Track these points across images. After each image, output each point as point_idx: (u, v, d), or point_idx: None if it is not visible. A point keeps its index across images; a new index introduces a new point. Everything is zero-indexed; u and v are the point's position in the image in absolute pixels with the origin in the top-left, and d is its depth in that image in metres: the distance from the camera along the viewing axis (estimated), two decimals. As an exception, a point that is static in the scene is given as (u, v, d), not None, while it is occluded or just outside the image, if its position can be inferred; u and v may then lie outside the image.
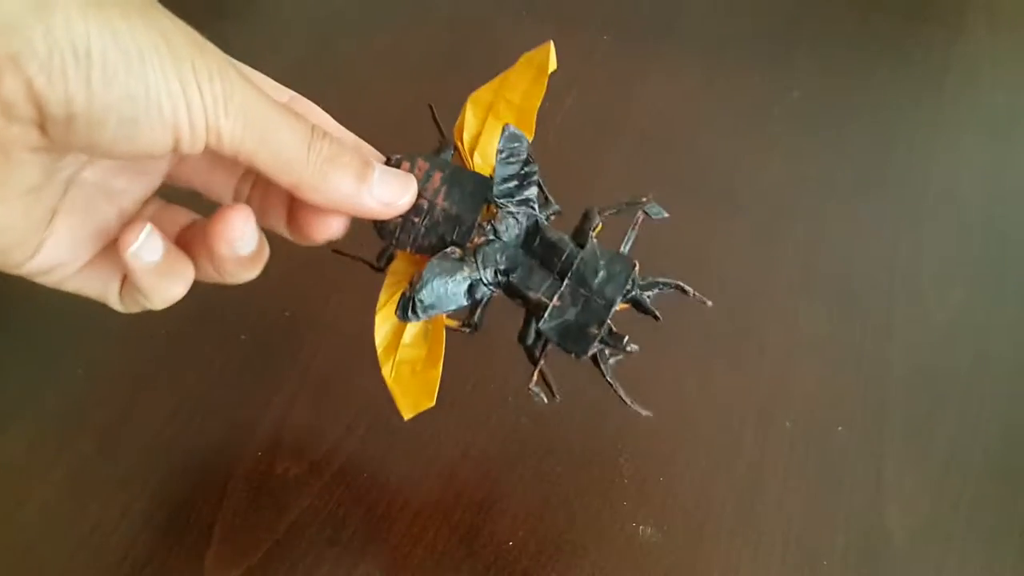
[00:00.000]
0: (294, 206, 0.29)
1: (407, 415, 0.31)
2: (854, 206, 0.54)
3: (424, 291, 0.28)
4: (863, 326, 0.48)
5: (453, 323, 0.31)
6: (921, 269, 0.51)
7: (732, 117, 0.59)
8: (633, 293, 0.29)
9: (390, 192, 0.28)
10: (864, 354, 0.47)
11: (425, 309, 0.28)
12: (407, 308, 0.28)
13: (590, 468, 0.43)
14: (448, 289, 0.28)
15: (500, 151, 0.29)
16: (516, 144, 0.30)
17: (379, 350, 0.31)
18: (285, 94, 0.31)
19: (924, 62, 0.63)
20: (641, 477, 0.42)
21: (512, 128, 0.30)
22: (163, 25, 0.22)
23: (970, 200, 0.55)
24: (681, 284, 0.30)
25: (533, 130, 0.32)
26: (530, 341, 0.30)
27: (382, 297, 0.31)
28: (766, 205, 0.54)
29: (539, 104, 0.32)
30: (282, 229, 0.30)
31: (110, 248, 0.28)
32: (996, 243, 0.52)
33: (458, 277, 0.29)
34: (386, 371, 0.31)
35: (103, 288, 0.28)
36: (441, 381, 0.30)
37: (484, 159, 0.31)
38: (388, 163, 0.29)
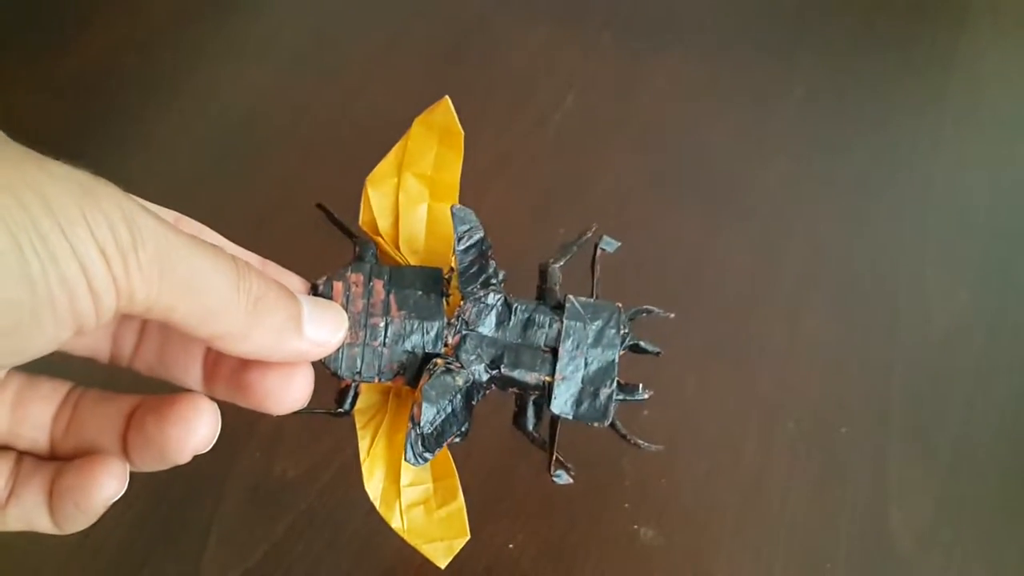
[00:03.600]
0: (211, 358, 0.24)
1: (442, 563, 0.28)
2: (857, 206, 0.54)
3: (430, 422, 0.25)
4: (866, 327, 0.48)
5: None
6: (925, 270, 0.51)
7: (734, 116, 0.59)
8: (629, 337, 0.27)
9: (323, 330, 0.23)
10: (867, 355, 0.47)
11: (436, 443, 0.25)
12: (418, 450, 0.25)
13: (591, 470, 0.42)
14: (450, 409, 0.26)
15: (459, 238, 0.26)
16: (469, 225, 0.26)
17: (378, 505, 0.28)
18: (167, 215, 0.24)
19: (928, 62, 0.63)
20: (642, 479, 0.42)
21: (459, 210, 0.26)
22: (31, 179, 0.17)
23: (974, 201, 0.54)
24: (646, 308, 0.28)
25: (456, 201, 0.28)
26: (531, 426, 0.28)
27: (362, 445, 0.27)
28: (768, 205, 0.54)
29: (459, 174, 0.28)
30: (195, 384, 0.25)
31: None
32: (1000, 244, 0.52)
33: (455, 391, 0.26)
34: (396, 526, 0.28)
35: (30, 517, 0.22)
36: None
37: (410, 246, 0.28)
38: (315, 292, 0.26)
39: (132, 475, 0.45)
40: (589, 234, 0.29)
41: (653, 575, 0.39)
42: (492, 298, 0.27)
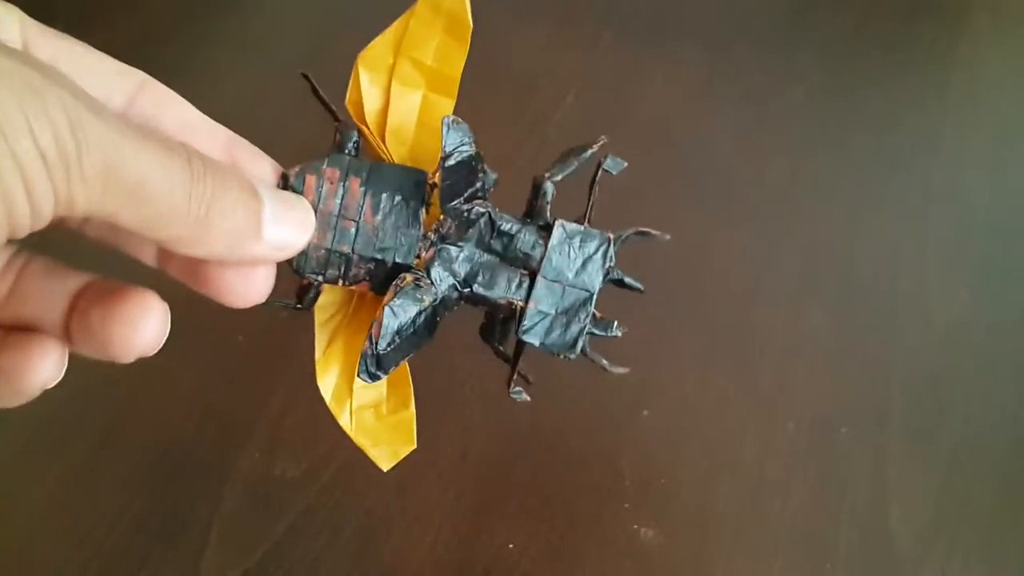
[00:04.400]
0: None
1: (385, 466, 0.27)
2: (857, 206, 0.54)
3: (388, 341, 0.24)
4: (866, 327, 0.48)
5: None
6: (924, 270, 0.51)
7: (734, 115, 0.59)
8: (615, 270, 0.25)
9: (286, 231, 0.22)
10: (867, 355, 0.47)
11: (393, 361, 0.24)
12: (373, 369, 0.24)
13: (590, 470, 0.42)
14: (413, 329, 0.24)
15: (447, 154, 0.24)
16: (462, 140, 0.24)
17: (328, 401, 0.26)
18: (132, 79, 0.23)
19: (927, 62, 0.63)
20: (642, 479, 0.42)
21: (451, 121, 0.24)
22: None
23: (974, 201, 0.54)
24: (641, 229, 0.26)
25: (454, 98, 0.26)
26: (496, 340, 0.27)
27: (318, 343, 0.26)
28: (768, 205, 0.54)
29: (461, 68, 0.26)
30: (149, 259, 0.23)
31: None
32: (1000, 244, 0.52)
33: (420, 310, 0.24)
34: (344, 422, 0.26)
35: None
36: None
37: (397, 138, 0.25)
38: (285, 184, 0.24)
39: (132, 475, 0.45)
40: (595, 148, 0.27)
41: (653, 575, 0.39)
42: (475, 212, 0.25)
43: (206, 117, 0.24)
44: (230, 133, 0.24)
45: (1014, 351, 0.47)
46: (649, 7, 0.66)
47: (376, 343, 0.23)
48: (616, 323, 0.25)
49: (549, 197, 0.26)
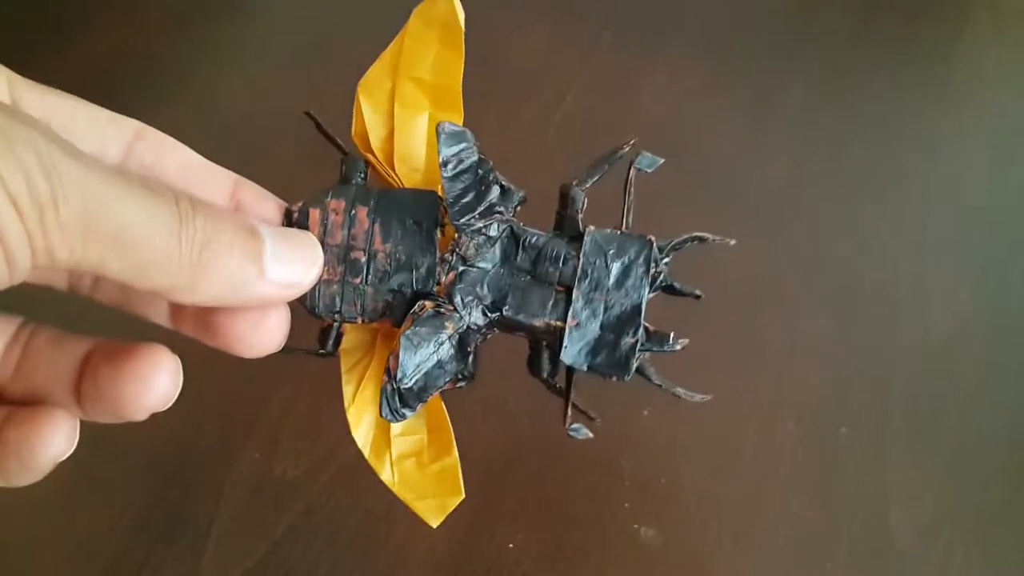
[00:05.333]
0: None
1: (434, 522, 0.25)
2: (857, 206, 0.54)
3: (408, 375, 0.22)
4: (866, 327, 0.48)
5: (446, 385, 0.26)
6: (924, 270, 0.51)
7: (734, 116, 0.59)
8: (662, 276, 0.23)
9: (292, 269, 0.20)
10: (867, 355, 0.47)
11: (417, 397, 0.22)
12: (395, 405, 0.22)
13: (591, 470, 0.42)
14: (437, 359, 0.22)
15: (444, 163, 0.22)
16: (461, 146, 0.22)
17: (367, 454, 0.25)
18: (128, 127, 0.22)
19: (927, 62, 0.63)
20: (642, 478, 0.42)
21: (447, 126, 0.22)
22: None
23: (974, 200, 0.54)
24: (698, 235, 0.24)
25: (461, 112, 0.25)
26: (546, 373, 0.24)
27: (346, 391, 0.25)
28: (768, 205, 0.54)
29: (461, 78, 0.24)
30: (161, 319, 0.23)
31: None
32: (1001, 244, 0.52)
33: (443, 339, 0.22)
34: (387, 478, 0.25)
35: None
36: None
37: (408, 164, 0.24)
38: (289, 220, 0.22)
39: (133, 474, 0.45)
40: (625, 149, 0.24)
41: (653, 575, 0.39)
42: (495, 229, 0.23)
43: (208, 161, 0.23)
44: (234, 175, 0.23)
45: (1014, 351, 0.47)
46: (649, 7, 0.66)
47: (394, 377, 0.22)
48: (673, 335, 0.23)
49: (579, 205, 0.24)
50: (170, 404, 0.21)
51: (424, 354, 0.22)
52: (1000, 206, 0.54)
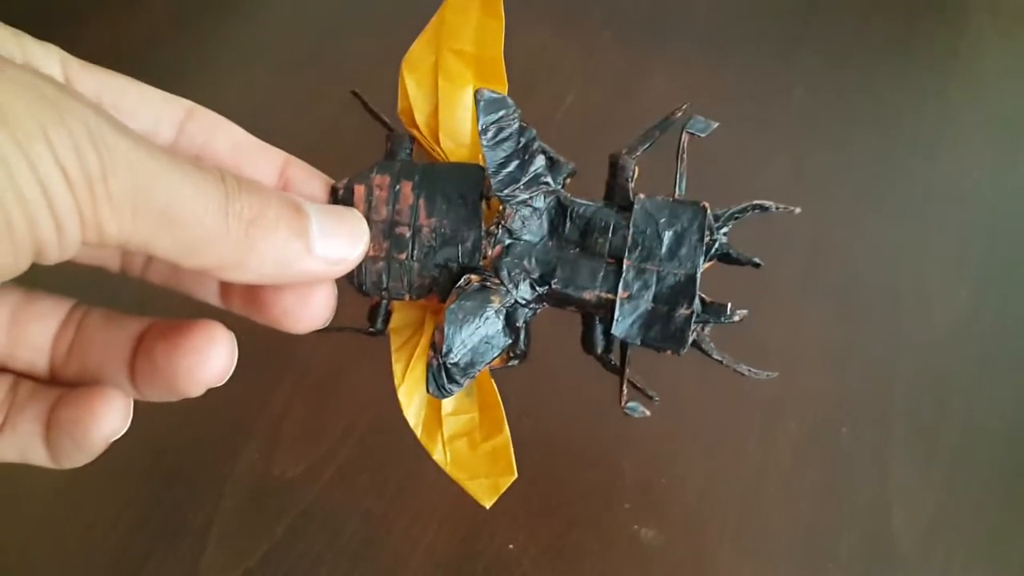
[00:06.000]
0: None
1: (487, 502, 0.24)
2: (858, 205, 0.54)
3: (455, 350, 0.21)
4: (868, 327, 0.48)
5: (496, 363, 0.24)
6: (926, 270, 0.50)
7: (734, 115, 0.59)
8: (717, 244, 0.22)
9: (338, 245, 0.20)
10: (869, 355, 0.47)
11: (464, 372, 0.22)
12: (441, 381, 0.21)
13: (591, 469, 0.42)
14: (484, 334, 0.21)
15: (483, 130, 0.21)
16: (500, 113, 0.22)
17: (419, 434, 0.24)
18: (179, 107, 0.22)
19: (928, 61, 0.62)
20: (643, 479, 0.42)
21: (486, 93, 0.22)
22: None
23: (975, 200, 0.54)
24: (759, 203, 0.23)
25: (505, 82, 0.24)
26: (601, 348, 0.24)
27: (396, 369, 0.24)
28: (768, 204, 0.54)
29: (502, 47, 0.24)
30: (211, 298, 0.23)
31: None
32: (1002, 243, 0.52)
33: (489, 313, 0.21)
34: (439, 458, 0.24)
35: (25, 448, 0.20)
36: None
37: (454, 138, 0.24)
38: (335, 198, 0.22)
39: (132, 475, 0.45)
40: (679, 114, 0.24)
41: (653, 575, 0.39)
42: (541, 200, 0.22)
43: (258, 140, 0.23)
44: (284, 154, 0.23)
45: (1016, 350, 0.47)
46: (649, 7, 0.66)
47: (440, 351, 0.21)
48: (730, 306, 0.22)
49: (629, 174, 0.23)
50: (225, 379, 0.21)
51: (470, 328, 0.21)
52: (1001, 205, 0.54)
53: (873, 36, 0.64)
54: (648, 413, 0.24)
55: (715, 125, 0.23)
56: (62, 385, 0.21)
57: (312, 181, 0.23)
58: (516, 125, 0.22)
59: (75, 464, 0.20)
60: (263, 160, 0.22)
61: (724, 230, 0.23)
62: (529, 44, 0.62)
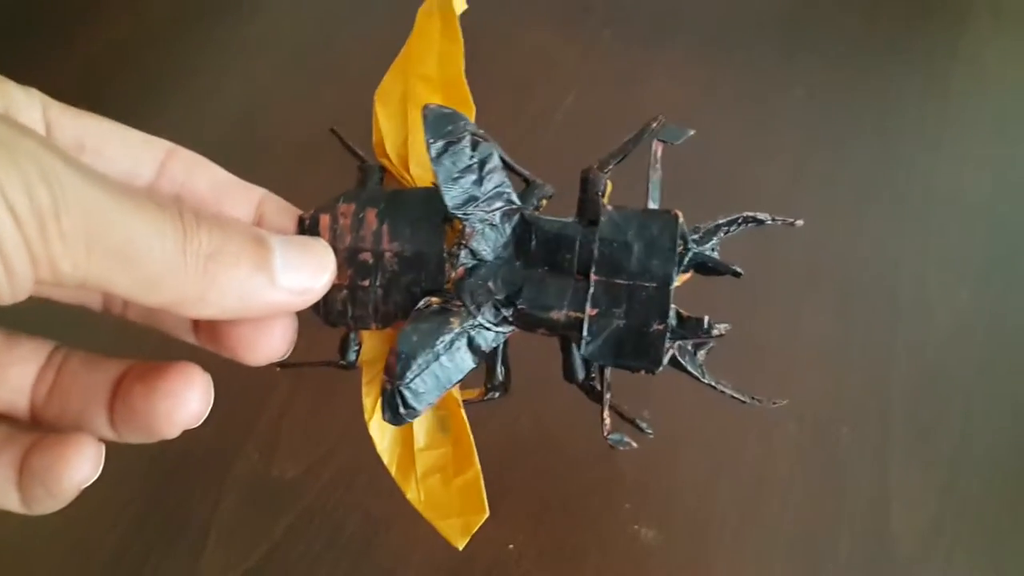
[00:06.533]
0: None
1: (460, 543, 0.23)
2: (858, 205, 0.54)
3: (409, 374, 0.20)
4: (868, 327, 0.48)
5: (472, 394, 0.24)
6: (926, 270, 0.50)
7: (734, 116, 0.59)
8: (691, 252, 0.21)
9: (301, 276, 0.20)
10: (869, 355, 0.47)
11: (420, 399, 0.20)
12: (396, 407, 0.20)
13: (591, 470, 0.42)
14: (443, 358, 0.20)
15: (431, 143, 0.20)
16: (448, 126, 0.21)
17: (392, 472, 0.23)
18: (160, 147, 0.22)
19: (928, 60, 0.62)
20: (643, 479, 0.42)
21: (433, 108, 0.21)
22: None
23: (975, 200, 0.54)
24: (752, 215, 0.22)
25: (471, 104, 0.23)
26: (582, 376, 0.22)
27: (367, 403, 0.23)
28: (769, 204, 0.53)
29: (463, 65, 0.23)
30: (187, 335, 0.23)
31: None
32: (1002, 243, 0.52)
33: (448, 335, 0.20)
34: (412, 496, 0.23)
35: None
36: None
37: (423, 165, 0.23)
38: (302, 228, 0.22)
39: (131, 474, 0.45)
40: (653, 126, 0.23)
41: (653, 575, 0.39)
42: (504, 218, 0.21)
43: (236, 178, 0.23)
44: (261, 190, 0.23)
45: (1016, 350, 0.47)
46: (649, 7, 0.66)
47: (394, 375, 0.20)
48: (708, 319, 0.21)
49: (600, 188, 0.22)
50: (201, 421, 0.21)
51: (426, 352, 0.20)
52: (1001, 205, 0.54)
53: (873, 36, 0.64)
54: (635, 445, 0.23)
55: (690, 133, 0.23)
56: (42, 426, 0.21)
57: (284, 215, 0.23)
58: (468, 140, 0.21)
59: (46, 511, 0.21)
60: (242, 197, 0.23)
61: (711, 243, 0.22)
62: (529, 44, 0.62)
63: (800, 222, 0.22)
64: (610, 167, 0.22)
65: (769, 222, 0.22)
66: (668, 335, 0.20)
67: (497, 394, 0.23)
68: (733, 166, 0.55)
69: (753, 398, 0.24)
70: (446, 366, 0.20)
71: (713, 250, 0.21)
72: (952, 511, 0.41)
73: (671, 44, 0.62)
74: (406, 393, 0.20)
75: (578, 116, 0.57)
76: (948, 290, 0.50)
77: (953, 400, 0.45)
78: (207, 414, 0.21)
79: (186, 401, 0.20)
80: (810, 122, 0.58)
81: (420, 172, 0.23)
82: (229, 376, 0.46)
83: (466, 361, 0.21)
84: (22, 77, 0.22)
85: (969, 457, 0.43)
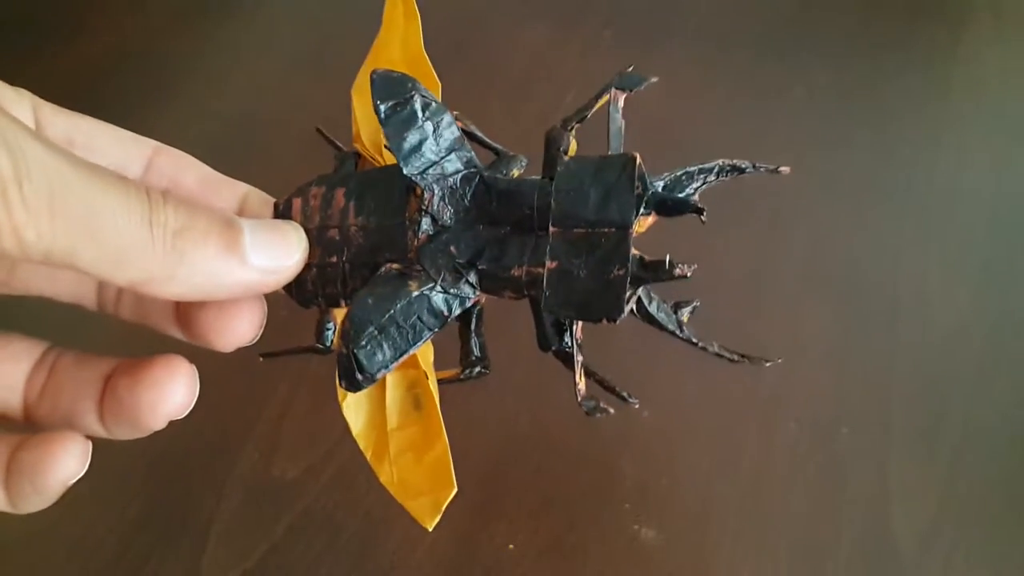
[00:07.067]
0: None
1: (429, 523, 0.22)
2: (858, 205, 0.54)
3: (363, 338, 0.19)
4: (867, 327, 0.48)
5: (448, 373, 0.23)
6: (926, 270, 0.50)
7: (734, 116, 0.59)
8: (650, 192, 0.19)
9: (271, 254, 0.20)
10: (869, 355, 0.47)
11: (375, 364, 0.19)
12: (351, 371, 0.19)
13: (591, 469, 0.42)
14: (401, 321, 0.19)
15: (378, 105, 0.20)
16: (395, 88, 0.20)
17: (368, 455, 0.23)
18: (147, 145, 0.23)
19: (928, 61, 0.62)
20: (643, 479, 0.42)
21: (381, 72, 0.20)
22: None
23: (975, 200, 0.54)
24: (733, 162, 0.20)
25: (435, 80, 0.23)
26: (556, 343, 0.21)
27: (340, 384, 0.23)
28: (768, 204, 0.54)
29: (422, 43, 0.23)
30: (175, 331, 0.23)
31: None
32: (1002, 243, 0.52)
33: (405, 298, 0.20)
34: (385, 479, 0.23)
35: None
36: (439, 382, 0.23)
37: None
38: (276, 213, 0.22)
39: (132, 475, 0.45)
40: (617, 78, 0.22)
41: (653, 575, 0.39)
42: (463, 182, 0.20)
43: (221, 175, 0.23)
44: (246, 186, 0.23)
45: (1016, 350, 0.47)
46: (649, 7, 0.66)
47: (348, 339, 0.19)
48: (669, 258, 0.19)
49: (562, 145, 0.21)
50: (187, 411, 0.21)
51: (382, 315, 0.19)
52: (1001, 205, 0.54)
53: (873, 36, 0.64)
54: (611, 411, 0.21)
55: (652, 80, 0.22)
56: (34, 425, 0.21)
57: (265, 208, 0.23)
58: (417, 101, 0.20)
59: (32, 509, 0.21)
60: (227, 191, 0.23)
61: (690, 189, 0.20)
62: (529, 44, 0.62)
63: (786, 169, 0.20)
64: (573, 125, 0.22)
65: (750, 170, 0.20)
66: (628, 280, 0.19)
67: (475, 370, 0.22)
68: (733, 166, 0.55)
69: (743, 356, 0.22)
70: (404, 328, 0.20)
71: (694, 194, 0.20)
72: (952, 510, 0.41)
73: (671, 44, 0.62)
74: (361, 357, 0.19)
75: (578, 116, 0.57)
76: (948, 290, 0.50)
77: (953, 400, 0.45)
78: (192, 405, 0.21)
79: (170, 391, 0.20)
80: (810, 122, 0.58)
81: (391, 155, 0.23)
82: (230, 377, 0.46)
83: (425, 325, 0.20)
84: (21, 77, 0.22)
85: (969, 456, 0.43)
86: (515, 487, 0.42)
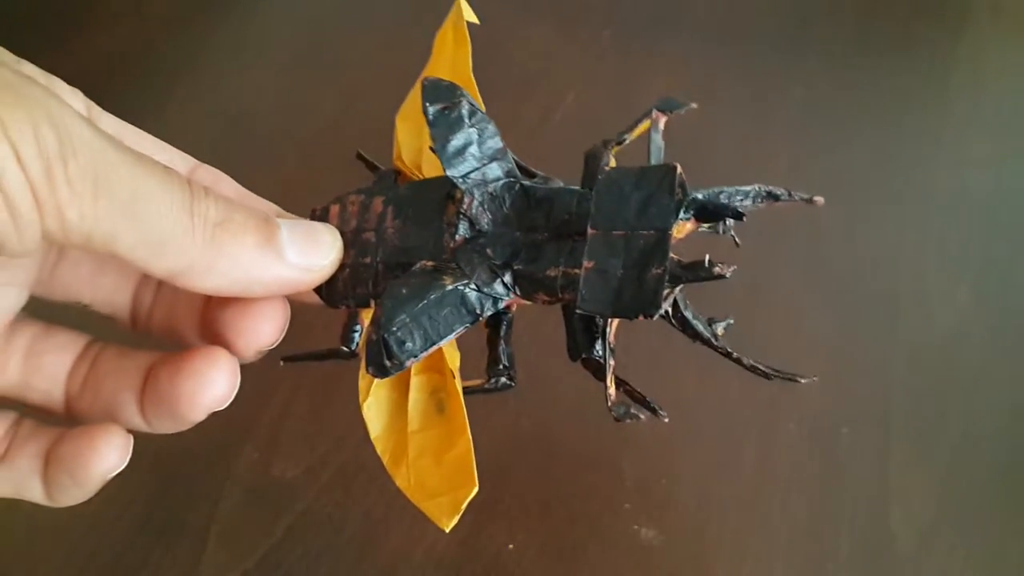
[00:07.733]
0: (207, 305, 0.22)
1: (447, 523, 0.21)
2: (857, 206, 0.54)
3: (395, 324, 0.19)
4: (867, 326, 0.48)
5: (475, 382, 0.23)
6: (926, 270, 0.50)
7: (734, 115, 0.59)
8: (689, 198, 0.20)
9: (307, 252, 0.20)
10: (868, 355, 0.47)
11: (405, 351, 0.19)
12: (380, 357, 0.19)
13: (591, 470, 0.42)
14: (431, 311, 0.20)
15: (427, 107, 0.20)
16: (445, 95, 0.21)
17: (384, 459, 0.23)
18: (187, 159, 0.23)
19: (928, 61, 0.62)
20: (643, 479, 0.42)
21: (431, 79, 0.21)
22: None
23: (975, 200, 0.54)
24: (770, 189, 0.21)
25: (480, 102, 0.24)
26: (587, 351, 0.21)
27: (362, 384, 0.22)
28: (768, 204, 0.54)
29: (470, 65, 0.24)
30: (197, 340, 0.23)
31: None
32: (1002, 243, 0.52)
33: (438, 291, 0.20)
34: (402, 482, 0.22)
35: (21, 483, 0.21)
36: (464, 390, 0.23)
37: (438, 168, 0.23)
38: (313, 218, 0.23)
39: (132, 475, 0.45)
40: (656, 103, 0.23)
41: (653, 575, 0.39)
42: (503, 189, 0.21)
43: (253, 194, 0.24)
44: (275, 206, 0.23)
45: (1016, 351, 0.47)
46: (649, 7, 0.66)
47: (380, 323, 0.19)
48: (709, 258, 0.19)
49: (603, 162, 0.22)
50: (227, 403, 0.21)
51: (414, 305, 0.20)
52: (1001, 205, 0.54)
53: (873, 36, 0.64)
54: (642, 417, 0.22)
55: (692, 105, 0.22)
56: (75, 419, 0.21)
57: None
58: (465, 107, 0.21)
59: (70, 502, 0.21)
60: (260, 206, 0.23)
61: (685, 192, 0.20)
62: (529, 44, 0.62)
63: (820, 199, 0.21)
64: (612, 145, 0.22)
65: (785, 198, 0.21)
66: (666, 278, 0.19)
67: (501, 380, 0.22)
68: (733, 166, 0.55)
69: (775, 371, 0.22)
70: (435, 320, 0.20)
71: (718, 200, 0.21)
72: (952, 511, 0.41)
73: (671, 45, 0.62)
74: (391, 343, 0.19)
75: (578, 116, 0.57)
76: (947, 290, 0.50)
77: (952, 400, 0.45)
78: (232, 397, 0.21)
79: (211, 381, 0.20)
80: (809, 123, 0.58)
81: (432, 172, 0.23)
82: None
83: (457, 318, 0.20)
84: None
85: (969, 457, 0.43)
86: (515, 487, 0.42)
